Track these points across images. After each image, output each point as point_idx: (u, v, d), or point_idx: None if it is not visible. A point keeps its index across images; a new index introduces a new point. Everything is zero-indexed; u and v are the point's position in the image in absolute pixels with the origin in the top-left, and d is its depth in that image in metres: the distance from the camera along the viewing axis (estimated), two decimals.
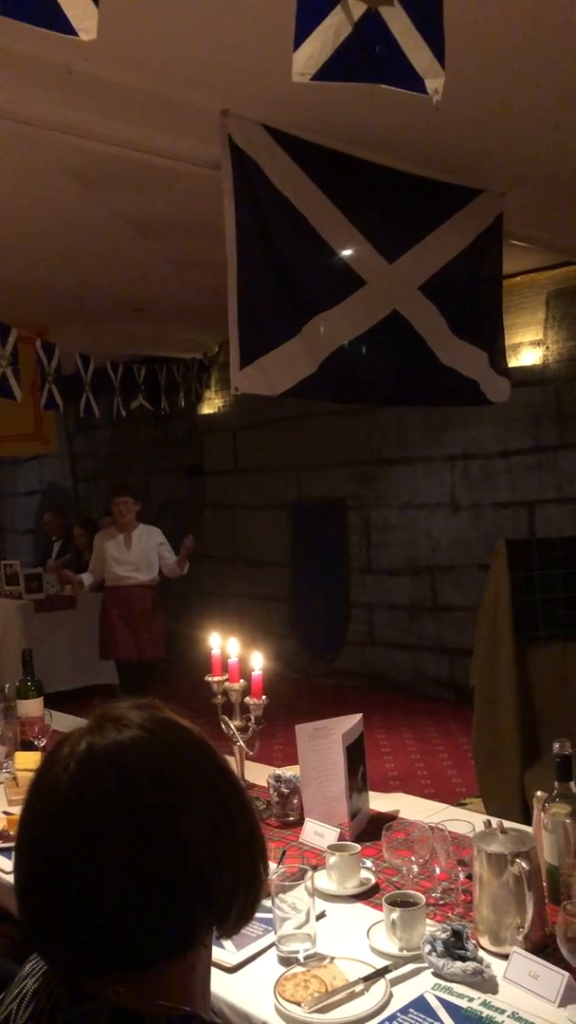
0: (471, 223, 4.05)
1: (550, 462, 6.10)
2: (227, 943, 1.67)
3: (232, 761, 2.39)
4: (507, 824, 1.72)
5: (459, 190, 4.00)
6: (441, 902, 1.79)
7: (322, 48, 1.60)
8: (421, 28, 1.65)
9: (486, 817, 1.86)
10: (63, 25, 1.53)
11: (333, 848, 1.92)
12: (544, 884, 1.71)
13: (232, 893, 0.94)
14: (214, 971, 1.60)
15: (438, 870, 1.81)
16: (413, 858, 1.80)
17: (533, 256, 5.46)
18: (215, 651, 2.39)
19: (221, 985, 1.56)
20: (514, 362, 5.89)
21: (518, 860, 1.57)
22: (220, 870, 0.92)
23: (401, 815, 2.25)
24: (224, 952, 1.64)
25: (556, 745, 1.76)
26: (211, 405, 8.77)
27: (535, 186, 4.18)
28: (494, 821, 1.74)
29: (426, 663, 7.02)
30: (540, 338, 6.12)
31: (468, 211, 4.03)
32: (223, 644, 2.39)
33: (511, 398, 4.44)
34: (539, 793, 1.81)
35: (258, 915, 1.76)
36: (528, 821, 1.85)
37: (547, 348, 6.09)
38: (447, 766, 5.40)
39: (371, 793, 2.34)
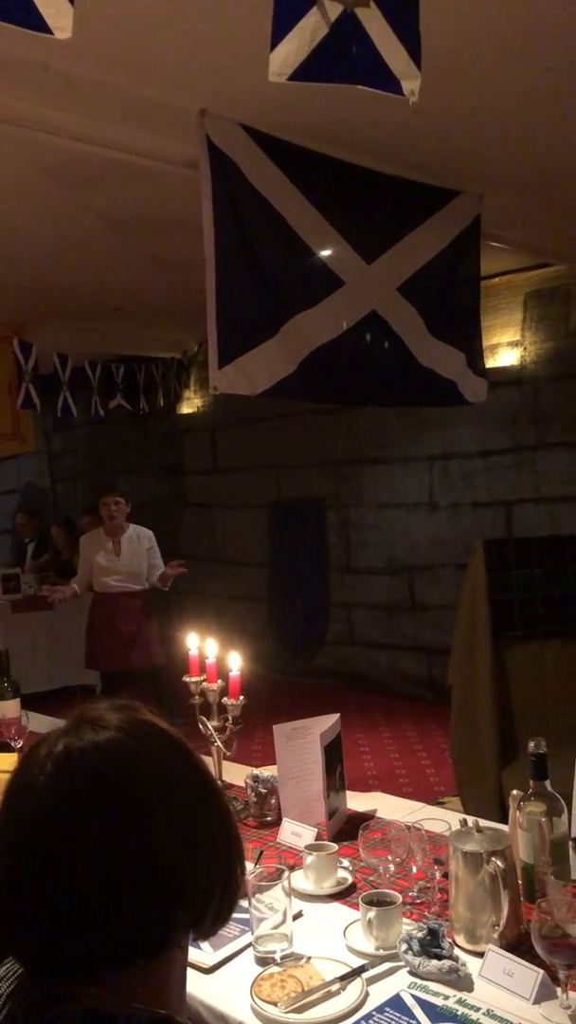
0: (449, 224, 4.07)
1: (527, 462, 6.14)
2: (204, 944, 1.66)
3: (210, 762, 2.39)
4: (483, 823, 1.73)
5: (437, 191, 4.01)
6: (418, 901, 1.80)
7: (298, 49, 1.60)
8: (397, 30, 1.65)
9: (462, 816, 1.87)
10: (38, 23, 1.52)
11: (310, 848, 1.93)
12: (519, 882, 1.72)
13: (208, 895, 0.94)
14: (191, 972, 1.60)
15: (415, 869, 1.82)
16: (390, 857, 1.80)
17: (511, 257, 5.49)
18: (192, 651, 2.39)
19: (198, 986, 1.56)
20: (492, 363, 5.92)
21: (493, 859, 1.58)
22: (196, 872, 0.92)
23: (379, 814, 2.25)
24: (201, 953, 1.64)
25: (531, 744, 1.77)
26: (190, 405, 8.75)
27: (513, 188, 4.21)
28: (470, 820, 1.75)
29: (405, 662, 7.05)
30: (518, 339, 6.16)
31: (446, 212, 4.04)
32: (201, 644, 2.39)
33: (489, 398, 4.46)
34: (515, 792, 1.82)
35: (235, 915, 1.76)
36: (505, 819, 1.86)
37: (525, 349, 6.13)
38: (425, 765, 5.42)
39: (349, 793, 2.35)
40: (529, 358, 6.11)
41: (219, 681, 2.32)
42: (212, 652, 2.34)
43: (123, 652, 5.45)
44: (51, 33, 1.54)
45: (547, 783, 1.75)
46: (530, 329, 6.10)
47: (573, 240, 5.10)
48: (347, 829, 2.16)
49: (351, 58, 1.62)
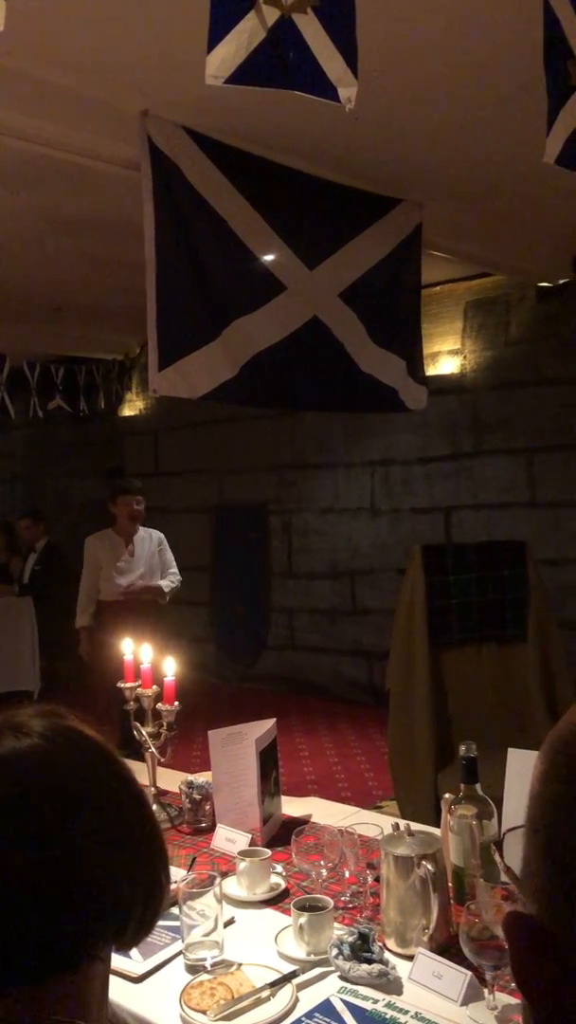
0: (390, 232, 4.11)
1: (466, 469, 6.22)
2: (133, 952, 1.64)
3: (144, 768, 2.37)
4: (414, 826, 1.74)
5: (379, 199, 4.05)
6: (350, 905, 1.80)
7: (235, 52, 1.60)
8: (334, 37, 1.66)
9: (395, 820, 1.88)
10: None
11: (243, 854, 1.92)
12: (450, 885, 1.74)
13: (130, 906, 0.92)
14: (119, 981, 1.58)
15: (347, 874, 1.82)
16: (322, 862, 1.80)
17: (452, 266, 5.57)
18: (127, 657, 2.36)
19: (126, 995, 1.54)
20: (433, 371, 5.99)
21: (424, 862, 1.59)
22: (117, 883, 0.90)
23: (313, 819, 2.26)
24: (130, 961, 1.62)
25: (462, 748, 1.78)
26: (132, 407, 8.68)
27: (453, 198, 4.26)
28: (401, 824, 1.76)
29: (345, 667, 7.08)
30: (458, 347, 6.24)
31: (388, 220, 4.08)
32: (135, 650, 2.36)
33: (430, 406, 4.51)
34: (447, 795, 1.84)
35: (166, 923, 1.75)
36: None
37: (465, 357, 6.21)
38: (364, 769, 5.45)
39: (284, 798, 2.34)
40: (469, 367, 6.19)
41: (154, 687, 2.29)
42: (147, 657, 2.32)
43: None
44: None
45: (478, 787, 1.77)
46: (470, 338, 6.19)
47: (512, 250, 5.19)
48: (282, 834, 2.15)
49: (288, 63, 1.62)
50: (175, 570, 5.21)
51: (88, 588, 5.10)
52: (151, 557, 5.11)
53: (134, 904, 0.92)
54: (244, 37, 1.59)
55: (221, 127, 3.35)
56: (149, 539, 5.16)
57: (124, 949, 0.99)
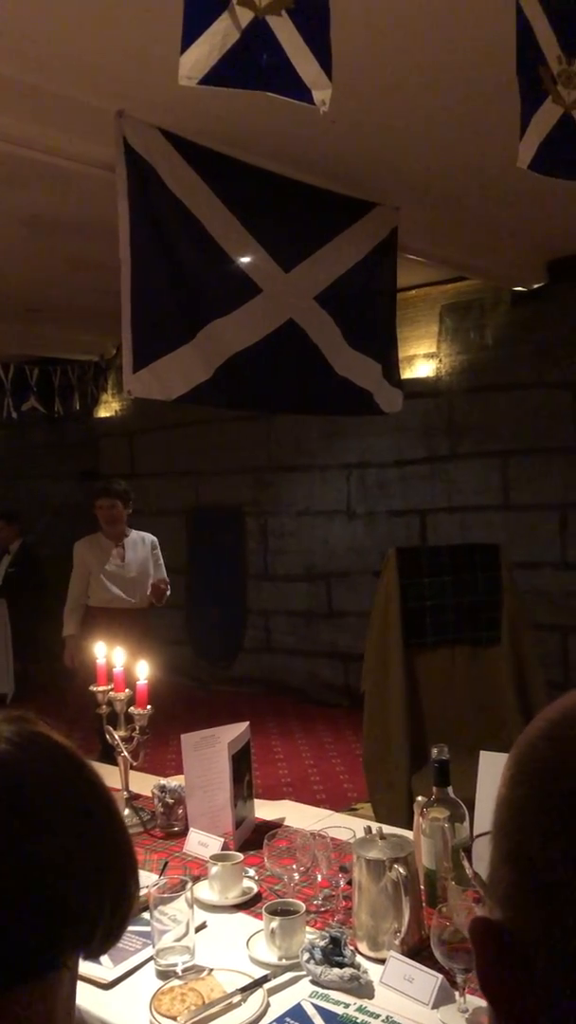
0: (366, 236, 4.11)
1: (441, 472, 6.25)
2: (103, 958, 1.63)
3: (117, 771, 2.35)
4: (387, 830, 1.74)
5: (355, 203, 4.06)
6: (322, 909, 1.80)
7: (209, 53, 1.60)
8: (308, 40, 1.66)
9: (367, 823, 1.87)
10: None
11: (215, 858, 1.91)
12: (422, 888, 1.74)
13: (97, 914, 0.91)
14: (89, 988, 1.57)
15: (320, 877, 1.81)
16: (294, 866, 1.80)
17: (428, 270, 5.59)
18: (100, 660, 2.35)
19: (96, 1002, 1.53)
20: (408, 374, 6.01)
21: (396, 866, 1.59)
22: (85, 892, 0.89)
23: (287, 823, 2.25)
24: (100, 968, 1.61)
25: (434, 751, 1.79)
26: (108, 408, 8.64)
27: (429, 202, 4.28)
28: (374, 827, 1.76)
29: (321, 669, 7.08)
30: (434, 351, 6.27)
31: (363, 224, 4.09)
32: (108, 653, 2.35)
33: (405, 409, 4.53)
34: (419, 798, 1.84)
35: (137, 928, 1.73)
36: None
37: (440, 361, 6.24)
38: (339, 771, 5.45)
39: (258, 801, 2.34)
40: (444, 370, 6.22)
41: (126, 690, 2.28)
42: (119, 661, 2.30)
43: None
44: None
45: (450, 789, 1.78)
46: (445, 341, 6.22)
47: (487, 255, 5.22)
48: (255, 838, 2.14)
49: (262, 65, 1.62)
50: (164, 576, 4.96)
51: (76, 594, 4.84)
52: (143, 561, 4.85)
53: (102, 912, 0.91)
54: (218, 38, 1.58)
55: (197, 129, 3.34)
56: (141, 542, 4.91)
57: (92, 957, 0.98)
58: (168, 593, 4.91)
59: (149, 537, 4.95)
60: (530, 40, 1.83)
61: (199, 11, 1.58)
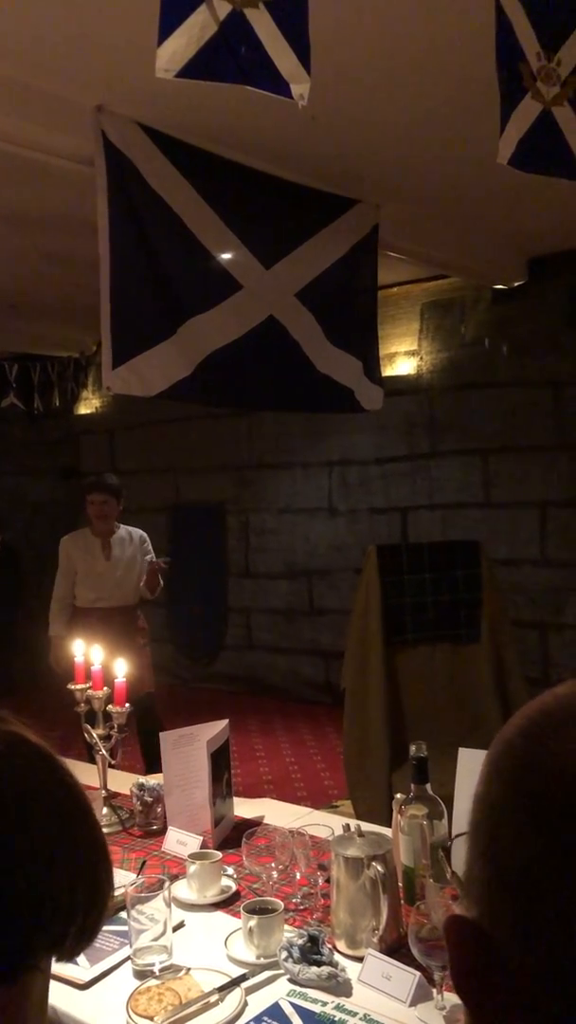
0: (347, 233, 4.11)
1: (423, 469, 6.26)
2: (81, 958, 1.62)
3: (95, 770, 2.34)
4: (365, 827, 1.74)
5: (336, 200, 4.05)
6: (301, 907, 1.79)
7: (187, 45, 1.58)
8: (287, 33, 1.65)
9: (346, 821, 1.87)
10: None
11: (194, 856, 1.90)
12: (400, 886, 1.74)
13: (70, 916, 0.89)
14: (65, 988, 1.56)
15: (298, 875, 1.81)
16: (273, 864, 1.79)
17: (409, 268, 5.59)
18: (78, 658, 2.33)
19: (72, 1003, 1.52)
20: (390, 371, 6.02)
21: (374, 863, 1.58)
22: (57, 894, 0.88)
23: (266, 820, 2.24)
24: (77, 968, 1.59)
25: (412, 748, 1.78)
26: (88, 405, 8.59)
27: (409, 200, 4.28)
28: (352, 824, 1.75)
29: (302, 666, 7.07)
30: (415, 348, 6.27)
31: (344, 221, 4.08)
32: (87, 651, 2.33)
33: (386, 407, 4.53)
34: (398, 795, 1.84)
35: (114, 928, 1.72)
36: None
37: (421, 359, 6.24)
38: (320, 768, 5.45)
39: (237, 799, 2.33)
40: (425, 368, 6.22)
41: (104, 688, 2.26)
42: (97, 659, 2.29)
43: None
44: None
45: (428, 786, 1.77)
46: (426, 339, 6.22)
47: (468, 253, 5.22)
48: (234, 836, 2.14)
49: (239, 58, 1.61)
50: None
51: (61, 594, 4.60)
52: (131, 560, 4.56)
53: (75, 914, 0.90)
54: (195, 30, 1.57)
55: (177, 124, 3.32)
56: (129, 539, 4.63)
57: (65, 958, 0.97)
58: (160, 585, 4.68)
59: (138, 533, 4.70)
60: (509, 37, 1.83)
61: (176, 3, 1.57)
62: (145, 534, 4.73)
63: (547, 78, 1.88)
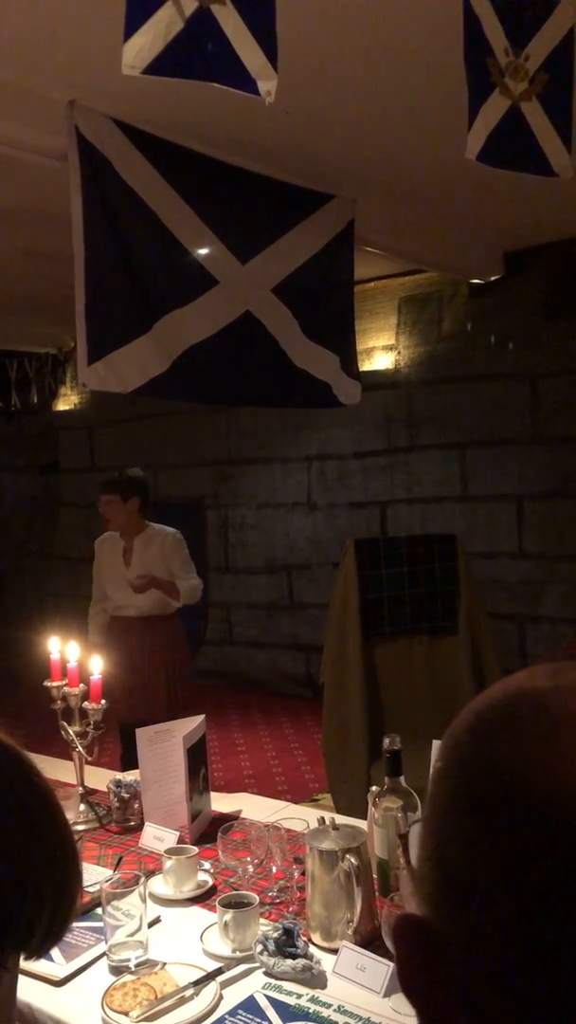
0: (323, 228, 4.11)
1: (401, 463, 6.28)
2: (56, 955, 1.62)
3: (72, 767, 2.34)
4: (340, 820, 1.75)
5: (311, 194, 4.05)
6: (277, 901, 1.80)
7: (153, 42, 1.58)
8: (254, 30, 1.65)
9: (321, 814, 1.88)
10: None
11: (170, 852, 1.90)
12: (375, 878, 1.75)
13: (36, 915, 0.90)
14: (40, 985, 1.56)
15: (274, 869, 1.82)
16: (249, 858, 1.80)
17: (386, 263, 5.60)
18: (54, 656, 2.33)
19: (48, 1000, 1.52)
20: (368, 366, 6.03)
21: (348, 856, 1.60)
22: (23, 893, 0.88)
23: (244, 815, 2.25)
24: (52, 964, 1.60)
25: (386, 740, 1.80)
26: (67, 401, 8.55)
27: (386, 194, 4.29)
28: (327, 817, 1.76)
29: (283, 661, 7.09)
30: (393, 343, 6.29)
31: (320, 215, 4.08)
32: (62, 648, 2.33)
33: (365, 401, 4.54)
34: (373, 788, 1.85)
35: (89, 924, 1.73)
36: None
37: (399, 353, 6.26)
38: (302, 763, 5.47)
39: (215, 794, 2.34)
40: (403, 362, 6.24)
41: (80, 685, 2.26)
42: (73, 656, 2.28)
43: (130, 700, 3.83)
44: None
45: (402, 779, 1.79)
46: (404, 333, 6.24)
47: (444, 247, 5.24)
48: (211, 831, 2.14)
49: (206, 55, 1.60)
50: (191, 574, 4.14)
51: (94, 599, 4.30)
52: (152, 565, 4.01)
53: (41, 912, 0.90)
54: (161, 27, 1.57)
55: (151, 119, 3.31)
56: (152, 541, 4.07)
57: (34, 956, 0.97)
58: (193, 587, 4.11)
59: (165, 535, 4.09)
60: (477, 33, 1.84)
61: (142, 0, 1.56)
62: (176, 533, 4.14)
63: (515, 74, 1.89)
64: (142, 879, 1.66)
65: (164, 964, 1.57)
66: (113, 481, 4.12)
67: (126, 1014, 1.44)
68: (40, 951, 0.93)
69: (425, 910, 0.48)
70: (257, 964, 1.57)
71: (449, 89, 2.96)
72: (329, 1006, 1.44)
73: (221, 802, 2.36)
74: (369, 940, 1.61)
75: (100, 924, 1.65)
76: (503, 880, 0.42)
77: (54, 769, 2.47)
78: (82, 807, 2.26)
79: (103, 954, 1.63)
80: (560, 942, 0.40)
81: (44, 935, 0.91)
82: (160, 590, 3.97)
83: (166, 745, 2.19)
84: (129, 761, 2.83)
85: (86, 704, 2.25)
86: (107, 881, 1.68)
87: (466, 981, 0.44)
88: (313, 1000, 1.46)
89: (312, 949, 1.59)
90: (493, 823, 0.44)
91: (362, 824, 1.85)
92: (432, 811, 0.49)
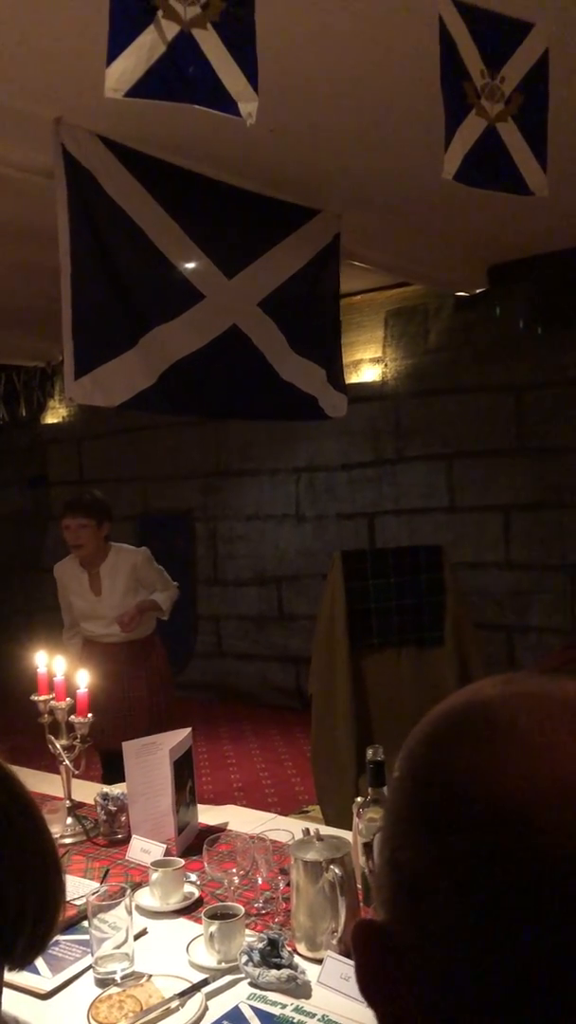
0: (309, 242, 4.15)
1: (388, 475, 6.31)
2: (42, 968, 1.63)
3: (59, 780, 2.34)
4: (324, 831, 1.77)
5: (297, 209, 4.09)
6: (263, 912, 1.81)
7: (135, 65, 1.61)
8: (235, 53, 1.68)
9: (305, 825, 1.90)
10: None
11: (156, 864, 1.91)
12: (359, 887, 1.76)
13: (18, 926, 0.91)
14: (27, 999, 1.57)
15: (260, 880, 1.83)
16: (235, 870, 1.81)
17: (372, 276, 5.64)
18: (40, 669, 2.34)
19: (34, 1013, 1.52)
20: (355, 378, 6.07)
21: (332, 866, 1.61)
22: (4, 904, 0.89)
23: (230, 827, 2.26)
24: (38, 978, 1.60)
25: (369, 751, 1.81)
26: (55, 415, 8.56)
27: (371, 209, 4.33)
28: (311, 828, 1.78)
29: (273, 672, 7.10)
30: (379, 356, 6.33)
31: (306, 230, 4.12)
32: (49, 662, 2.34)
33: (352, 413, 4.57)
34: (357, 799, 1.87)
35: (76, 937, 1.74)
36: None
37: (386, 366, 6.30)
38: (291, 774, 5.47)
39: (202, 806, 2.35)
40: (390, 374, 6.28)
41: (67, 699, 2.27)
42: (60, 670, 2.30)
43: (121, 722, 3.62)
44: None
45: (385, 789, 1.80)
46: (391, 346, 6.28)
47: (429, 261, 5.29)
48: (198, 844, 2.14)
49: (188, 78, 1.63)
50: (167, 584, 4.00)
51: (66, 624, 4.01)
52: (124, 593, 3.79)
53: (23, 923, 0.91)
54: (144, 51, 1.60)
55: (137, 135, 3.34)
56: (120, 565, 3.83)
57: (16, 968, 0.98)
58: (172, 596, 3.97)
59: (132, 554, 3.89)
60: (453, 55, 1.87)
61: (125, 24, 1.59)
62: (144, 551, 3.96)
63: (491, 95, 1.93)
64: (128, 891, 1.67)
65: (150, 976, 1.58)
66: (88, 504, 3.78)
67: None
68: (23, 962, 0.94)
69: (383, 915, 0.50)
70: (242, 975, 1.58)
71: (432, 106, 3.01)
72: (313, 1016, 1.45)
73: (208, 814, 2.37)
74: None
75: (86, 937, 1.66)
76: (450, 885, 0.44)
77: (41, 782, 2.48)
78: (69, 820, 2.27)
79: (89, 967, 1.64)
80: (504, 944, 0.42)
81: (27, 946, 0.92)
82: (145, 614, 3.84)
83: (152, 758, 2.20)
84: (110, 781, 2.73)
85: (73, 718, 2.26)
86: (93, 894, 1.69)
87: (421, 983, 0.46)
88: (298, 1010, 1.47)
89: (297, 959, 1.60)
90: (440, 830, 0.45)
91: (348, 835, 1.86)
92: (388, 818, 0.50)
